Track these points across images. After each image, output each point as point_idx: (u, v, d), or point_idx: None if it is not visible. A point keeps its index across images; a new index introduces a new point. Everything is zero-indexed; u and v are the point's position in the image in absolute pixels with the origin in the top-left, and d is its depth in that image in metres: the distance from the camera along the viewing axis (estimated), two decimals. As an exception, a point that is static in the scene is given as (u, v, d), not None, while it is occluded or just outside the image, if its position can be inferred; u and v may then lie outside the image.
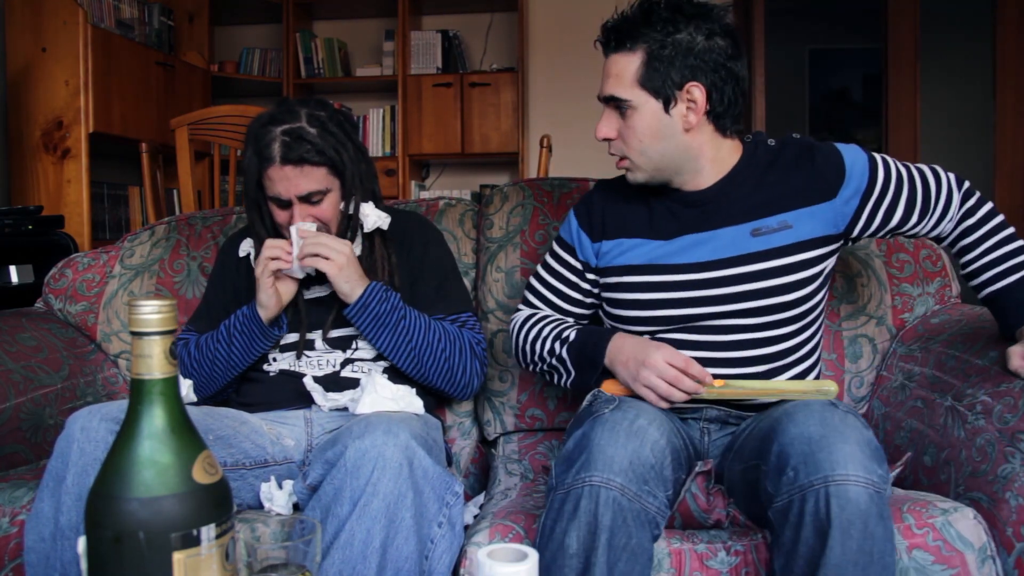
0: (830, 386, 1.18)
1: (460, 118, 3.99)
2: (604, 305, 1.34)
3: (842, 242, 1.26)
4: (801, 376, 1.28)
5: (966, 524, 1.05)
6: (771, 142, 1.27)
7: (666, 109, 1.18)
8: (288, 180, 1.32)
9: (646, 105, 1.18)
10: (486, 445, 1.65)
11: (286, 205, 1.35)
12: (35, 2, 2.91)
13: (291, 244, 1.34)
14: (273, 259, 1.34)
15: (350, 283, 1.34)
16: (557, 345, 1.30)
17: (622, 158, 1.24)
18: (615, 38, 1.19)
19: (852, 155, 1.24)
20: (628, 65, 1.18)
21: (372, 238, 1.44)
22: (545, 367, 1.34)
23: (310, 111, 1.34)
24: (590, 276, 1.35)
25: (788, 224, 1.21)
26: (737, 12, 3.93)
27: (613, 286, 1.30)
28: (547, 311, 1.40)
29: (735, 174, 1.24)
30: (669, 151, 1.20)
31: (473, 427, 1.64)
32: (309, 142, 1.31)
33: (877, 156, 1.25)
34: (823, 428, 0.97)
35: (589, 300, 1.38)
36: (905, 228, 1.26)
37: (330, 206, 1.37)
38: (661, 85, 1.16)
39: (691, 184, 1.24)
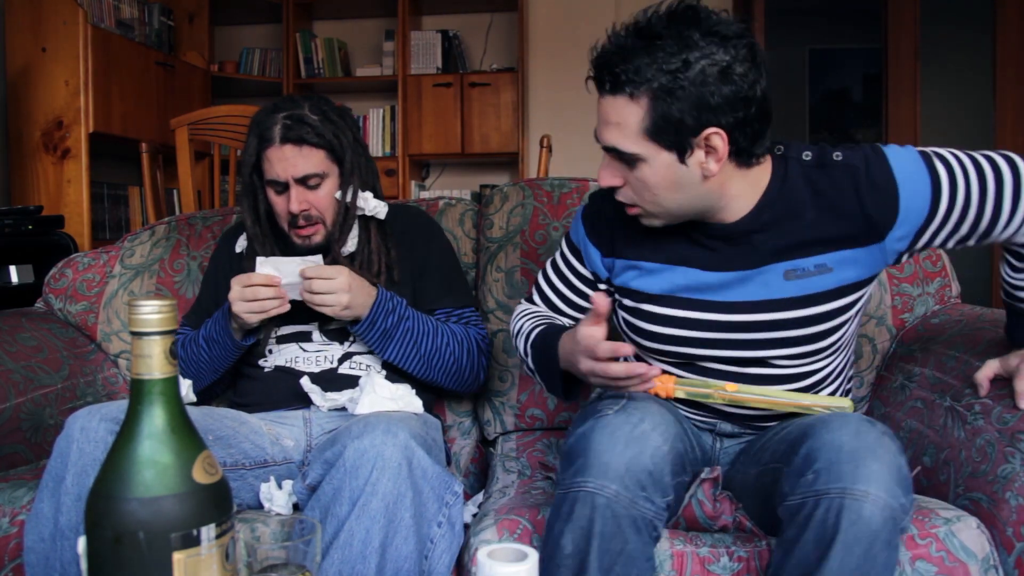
0: (845, 403, 1.10)
1: (460, 118, 3.99)
2: (623, 327, 1.23)
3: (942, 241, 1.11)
4: (831, 395, 1.21)
5: (969, 534, 1.04)
6: (807, 156, 1.08)
7: (681, 159, 1.00)
8: (287, 160, 1.32)
9: (657, 158, 1.00)
10: (486, 445, 1.65)
11: (283, 188, 1.35)
12: (35, 2, 2.91)
13: (278, 276, 1.32)
14: (270, 306, 1.31)
15: (354, 311, 1.32)
16: (523, 343, 1.22)
17: (633, 205, 1.09)
18: (610, 79, 0.99)
19: (911, 185, 1.03)
20: (630, 114, 0.98)
21: (369, 231, 1.44)
22: (527, 369, 1.26)
23: (313, 102, 1.37)
24: (601, 287, 1.25)
25: (827, 267, 1.07)
26: (737, 12, 3.93)
27: (632, 311, 1.19)
28: (542, 308, 1.31)
29: (765, 204, 1.07)
30: (687, 199, 1.04)
31: (473, 427, 1.64)
32: (309, 125, 1.33)
33: (943, 176, 1.03)
34: (856, 441, 0.93)
35: (581, 304, 1.30)
36: (955, 249, 1.12)
37: (327, 193, 1.37)
38: (674, 136, 0.98)
39: (717, 219, 1.10)
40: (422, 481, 1.10)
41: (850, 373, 1.26)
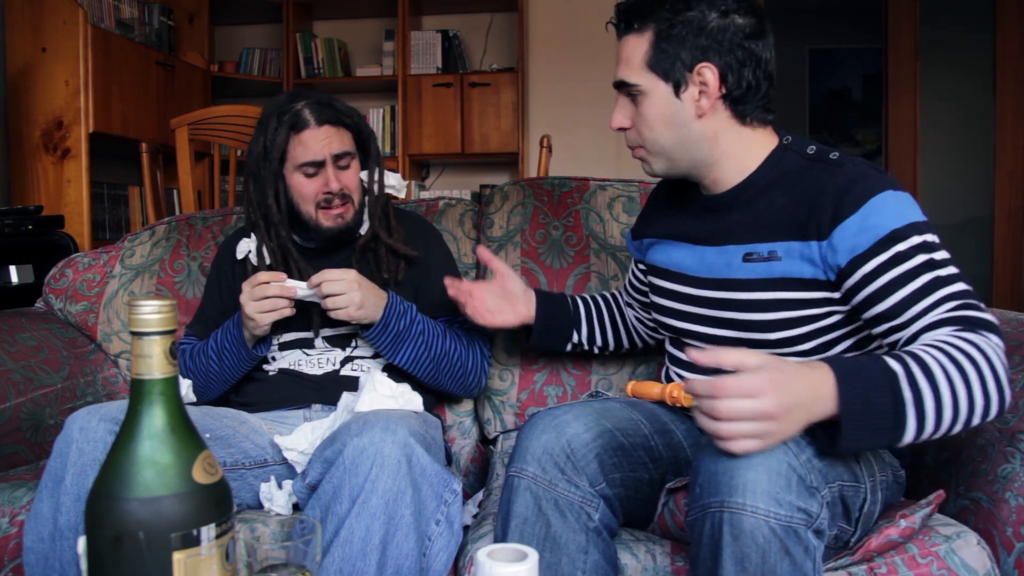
0: None
1: (460, 118, 3.99)
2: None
3: (847, 301, 1.05)
4: None
5: (970, 552, 1.03)
6: (811, 150, 1.10)
7: (676, 93, 1.09)
8: (325, 139, 1.37)
9: (655, 89, 1.10)
10: (486, 443, 1.65)
11: (319, 167, 1.37)
12: (35, 2, 2.91)
13: (288, 286, 1.33)
14: (281, 304, 1.33)
15: (368, 311, 1.33)
16: None
17: (638, 147, 1.17)
18: (625, 19, 1.12)
19: (876, 215, 0.99)
20: (637, 47, 1.10)
21: (373, 219, 1.45)
22: None
23: (321, 94, 1.41)
24: (640, 267, 1.37)
25: (777, 256, 1.08)
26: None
27: (651, 286, 1.29)
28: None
29: (753, 181, 1.12)
30: (681, 139, 1.11)
31: (473, 426, 1.64)
32: (337, 108, 1.39)
33: (903, 242, 0.98)
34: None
35: (637, 286, 1.40)
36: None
37: (354, 173, 1.42)
38: (671, 67, 1.08)
39: (710, 179, 1.15)
40: (421, 479, 1.10)
41: None
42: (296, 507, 1.21)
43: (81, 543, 0.64)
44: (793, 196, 1.08)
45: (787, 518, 0.84)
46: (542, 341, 1.42)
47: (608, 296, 1.49)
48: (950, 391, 0.87)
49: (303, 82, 4.13)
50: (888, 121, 3.73)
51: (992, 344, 0.91)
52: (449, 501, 1.14)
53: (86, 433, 1.07)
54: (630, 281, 1.44)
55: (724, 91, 1.08)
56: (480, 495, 1.38)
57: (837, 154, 1.08)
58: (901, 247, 0.99)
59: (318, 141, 1.36)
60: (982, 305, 0.97)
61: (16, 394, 1.45)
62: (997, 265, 3.41)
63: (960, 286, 0.97)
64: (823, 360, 0.88)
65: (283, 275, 1.34)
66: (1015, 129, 3.30)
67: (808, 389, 0.84)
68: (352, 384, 1.39)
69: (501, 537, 1.04)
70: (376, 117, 4.17)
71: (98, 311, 1.73)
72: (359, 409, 1.25)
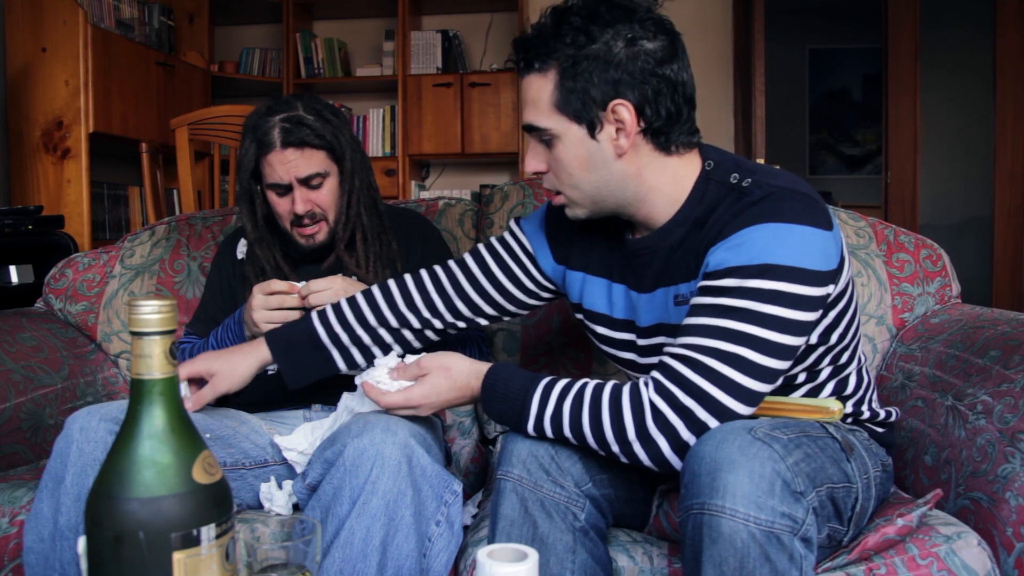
0: (831, 405, 1.01)
1: (460, 118, 3.99)
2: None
3: None
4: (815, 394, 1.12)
5: (970, 552, 1.03)
6: (733, 178, 1.01)
7: (591, 134, 0.99)
8: (288, 163, 1.33)
9: (568, 133, 1.00)
10: (486, 444, 1.65)
11: (286, 191, 1.36)
12: (35, 2, 2.91)
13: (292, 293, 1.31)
14: (291, 316, 1.30)
15: None
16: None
17: (557, 193, 1.07)
18: (523, 58, 1.01)
19: (747, 241, 0.94)
20: (542, 88, 0.99)
21: (365, 229, 1.44)
22: None
23: (305, 102, 1.37)
24: (536, 274, 1.22)
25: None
26: (737, 12, 3.93)
27: (584, 324, 1.21)
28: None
29: (679, 219, 1.03)
30: (604, 181, 1.02)
31: (473, 426, 1.64)
32: (308, 126, 1.33)
33: (745, 280, 0.92)
34: (716, 452, 0.87)
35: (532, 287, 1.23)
36: None
37: (329, 192, 1.38)
38: (581, 108, 0.98)
39: (641, 216, 1.06)
40: (421, 480, 1.10)
41: (858, 396, 1.15)
42: (296, 507, 1.21)
43: (81, 543, 0.64)
44: (712, 231, 1.00)
45: (768, 523, 0.83)
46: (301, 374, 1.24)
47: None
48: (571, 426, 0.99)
49: (303, 82, 4.13)
50: (888, 121, 3.73)
51: (634, 402, 0.94)
52: (449, 502, 1.14)
53: (86, 433, 1.07)
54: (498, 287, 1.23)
55: (643, 125, 0.99)
56: (480, 495, 1.38)
57: (750, 181, 1.00)
58: (730, 282, 0.93)
59: (282, 165, 1.33)
60: (722, 370, 0.91)
61: (16, 394, 1.45)
62: (997, 265, 3.42)
63: (726, 345, 0.91)
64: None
65: (297, 287, 1.31)
66: (1015, 129, 3.30)
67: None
68: (352, 383, 1.39)
69: (490, 539, 1.04)
70: (376, 117, 4.17)
71: (98, 311, 1.73)
72: (359, 410, 1.25)
